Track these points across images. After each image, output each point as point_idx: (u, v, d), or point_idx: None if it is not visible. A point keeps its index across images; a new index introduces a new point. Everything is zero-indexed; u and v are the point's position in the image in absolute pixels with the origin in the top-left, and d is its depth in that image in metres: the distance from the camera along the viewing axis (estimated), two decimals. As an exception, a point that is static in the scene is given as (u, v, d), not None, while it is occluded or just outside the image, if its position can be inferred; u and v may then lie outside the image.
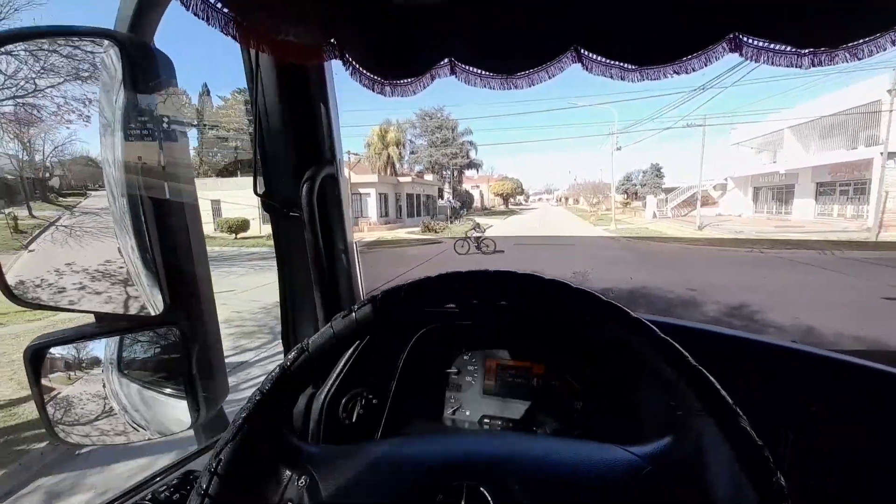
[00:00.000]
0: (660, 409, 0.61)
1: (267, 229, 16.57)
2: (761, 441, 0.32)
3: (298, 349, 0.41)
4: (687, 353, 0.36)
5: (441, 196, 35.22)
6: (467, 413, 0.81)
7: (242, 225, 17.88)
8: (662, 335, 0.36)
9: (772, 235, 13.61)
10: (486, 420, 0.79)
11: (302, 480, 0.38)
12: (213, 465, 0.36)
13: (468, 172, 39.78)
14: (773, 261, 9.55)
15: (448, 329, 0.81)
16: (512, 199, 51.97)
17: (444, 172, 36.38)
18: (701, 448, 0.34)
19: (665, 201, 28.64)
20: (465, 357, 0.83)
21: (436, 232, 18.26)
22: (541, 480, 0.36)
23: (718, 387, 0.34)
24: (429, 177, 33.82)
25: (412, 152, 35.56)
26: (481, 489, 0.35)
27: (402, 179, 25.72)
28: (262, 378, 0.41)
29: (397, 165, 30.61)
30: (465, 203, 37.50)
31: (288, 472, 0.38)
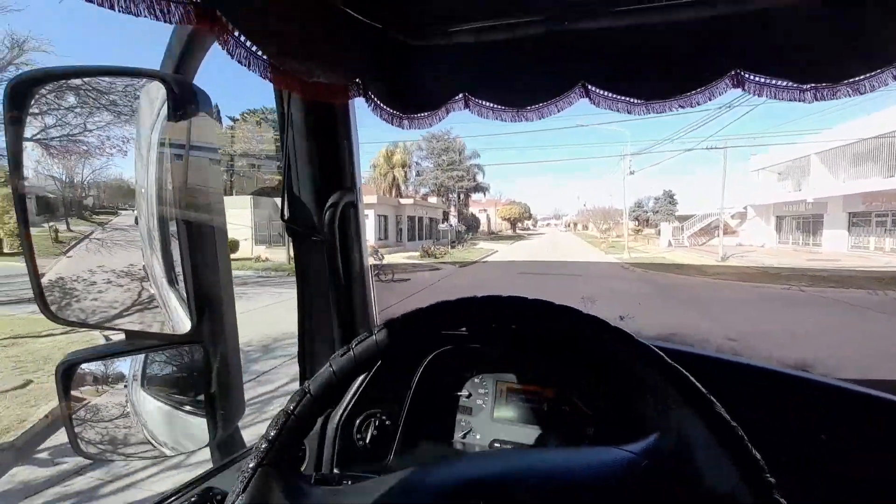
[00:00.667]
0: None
1: (259, 251, 16.54)
2: (738, 426, 0.35)
3: (301, 392, 0.42)
4: (663, 355, 0.39)
5: (446, 219, 33.81)
6: (478, 437, 0.81)
7: (231, 246, 17.81)
8: (640, 341, 0.40)
9: (805, 269, 12.14)
10: (496, 444, 0.79)
11: None
12: None
13: (475, 196, 39.22)
14: (817, 300, 8.21)
15: (459, 352, 0.82)
16: (519, 224, 51.13)
17: (450, 195, 35.98)
18: (685, 436, 0.37)
19: (681, 229, 27.14)
20: (475, 380, 0.84)
21: (435, 257, 17.36)
22: (548, 490, 0.37)
23: (693, 381, 0.38)
24: (433, 199, 32.98)
25: (418, 174, 35.36)
26: None
27: (403, 201, 24.95)
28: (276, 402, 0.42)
29: (402, 187, 29.99)
30: (470, 227, 36.97)
31: None
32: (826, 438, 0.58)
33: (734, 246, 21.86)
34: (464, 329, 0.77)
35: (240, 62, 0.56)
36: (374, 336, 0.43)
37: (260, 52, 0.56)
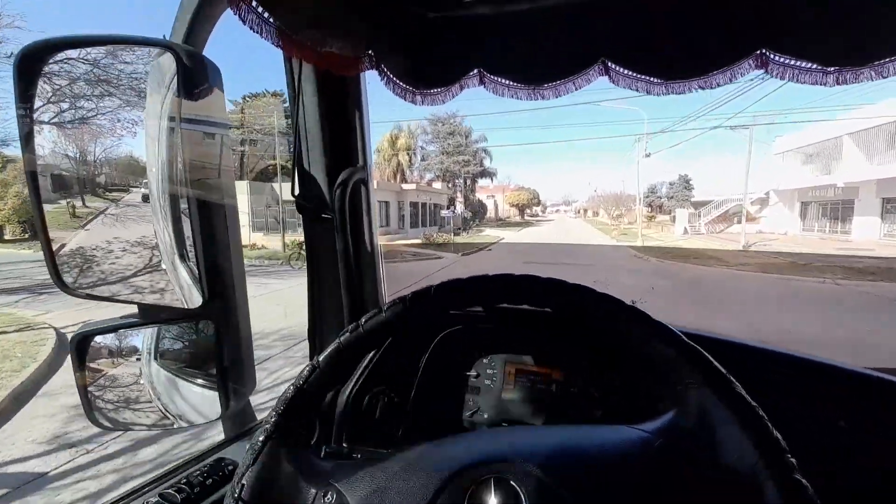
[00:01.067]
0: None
1: (256, 238, 16.06)
2: (759, 408, 0.35)
3: (310, 367, 0.42)
4: (680, 333, 0.38)
5: (451, 205, 31.94)
6: (485, 416, 0.82)
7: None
8: (656, 320, 0.39)
9: (837, 258, 10.82)
10: (504, 424, 0.80)
11: (328, 497, 0.38)
12: (237, 490, 0.37)
13: (482, 182, 37.65)
14: (857, 296, 7.24)
15: (468, 332, 0.83)
16: (528, 211, 49.99)
17: (456, 181, 34.38)
18: (703, 416, 0.36)
19: (697, 216, 25.23)
20: (484, 361, 0.84)
21: (438, 245, 16.69)
22: (563, 466, 0.37)
23: (712, 360, 0.37)
24: (438, 185, 31.62)
25: (423, 159, 33.74)
26: (510, 481, 0.36)
27: (405, 186, 23.96)
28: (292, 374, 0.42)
29: (407, 172, 29.25)
30: (477, 213, 35.48)
31: (313, 491, 0.38)
32: (845, 425, 0.58)
33: (755, 234, 20.46)
34: (475, 308, 0.77)
35: (251, 28, 0.55)
36: (383, 313, 0.43)
37: (271, 19, 0.55)
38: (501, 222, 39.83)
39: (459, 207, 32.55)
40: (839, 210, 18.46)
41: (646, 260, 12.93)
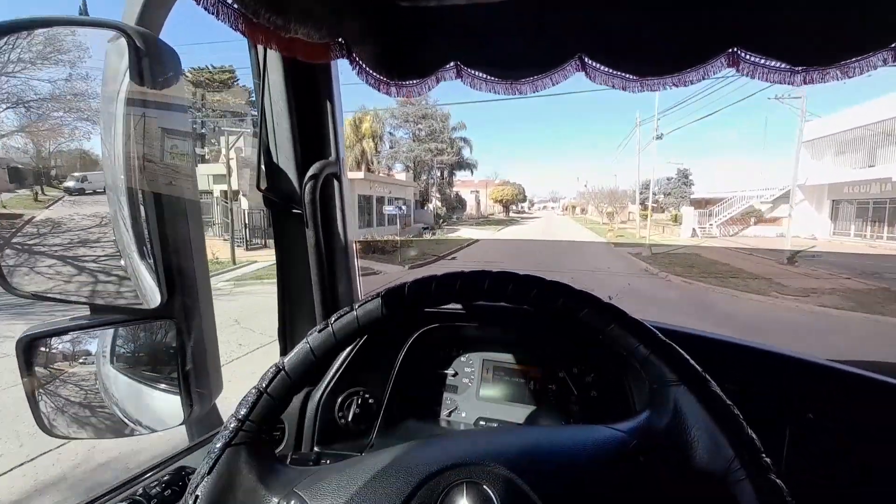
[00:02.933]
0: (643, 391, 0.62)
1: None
2: (733, 406, 0.35)
3: (274, 368, 0.40)
4: (656, 331, 0.38)
5: (428, 201, 27.22)
6: (463, 415, 0.81)
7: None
8: (632, 317, 0.39)
9: None
10: (481, 422, 0.79)
11: None
12: (191, 502, 0.35)
13: (462, 175, 32.86)
14: None
15: (445, 330, 0.81)
16: (514, 207, 47.18)
17: (432, 173, 29.02)
18: (678, 414, 0.36)
19: (707, 215, 21.30)
20: (462, 359, 0.83)
21: (384, 252, 12.69)
22: (536, 468, 0.36)
23: (687, 357, 0.37)
24: (401, 175, 25.96)
25: (391, 147, 28.11)
26: (482, 485, 0.35)
27: (351, 175, 15.83)
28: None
29: (373, 163, 24.59)
30: (454, 209, 31.45)
31: (274, 499, 0.36)
32: (813, 418, 0.59)
33: (776, 238, 16.90)
34: (451, 306, 0.76)
35: (207, 10, 0.51)
36: (354, 311, 0.41)
37: (230, 1, 0.51)
38: (483, 219, 36.30)
39: (435, 203, 29.06)
40: (885, 210, 14.52)
41: (664, 278, 8.77)
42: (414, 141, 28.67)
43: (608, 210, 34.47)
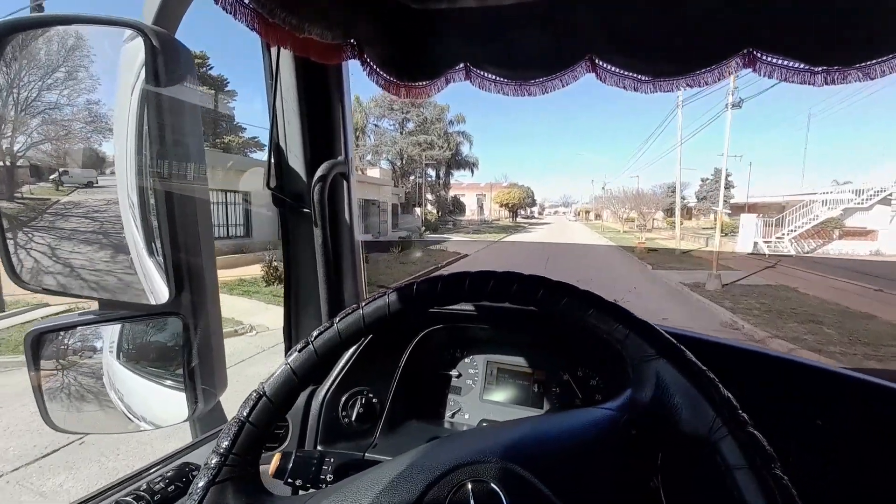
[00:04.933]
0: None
1: None
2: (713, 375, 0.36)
3: (256, 395, 0.38)
4: (632, 312, 0.40)
5: (417, 205, 21.76)
6: (466, 416, 0.80)
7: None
8: (608, 301, 0.40)
9: None
10: (484, 424, 0.78)
11: None
12: None
13: (461, 176, 27.98)
14: None
15: (449, 331, 0.81)
16: (522, 212, 43.36)
17: (425, 171, 24.30)
18: (661, 385, 0.38)
19: (772, 224, 15.69)
20: (466, 360, 0.82)
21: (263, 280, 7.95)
22: (539, 457, 0.37)
23: (663, 332, 0.39)
24: (374, 172, 21.11)
25: (376, 140, 23.73)
26: (489, 483, 0.34)
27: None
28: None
29: (355, 159, 23.29)
30: (451, 213, 27.62)
31: None
32: (822, 424, 0.57)
33: (871, 256, 12.34)
34: (455, 307, 0.75)
35: (224, 9, 0.52)
36: (360, 310, 0.41)
37: (247, 1, 0.52)
38: (485, 225, 31.37)
39: (426, 206, 24.35)
40: None
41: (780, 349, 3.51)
42: (400, 133, 23.61)
43: (629, 215, 30.19)
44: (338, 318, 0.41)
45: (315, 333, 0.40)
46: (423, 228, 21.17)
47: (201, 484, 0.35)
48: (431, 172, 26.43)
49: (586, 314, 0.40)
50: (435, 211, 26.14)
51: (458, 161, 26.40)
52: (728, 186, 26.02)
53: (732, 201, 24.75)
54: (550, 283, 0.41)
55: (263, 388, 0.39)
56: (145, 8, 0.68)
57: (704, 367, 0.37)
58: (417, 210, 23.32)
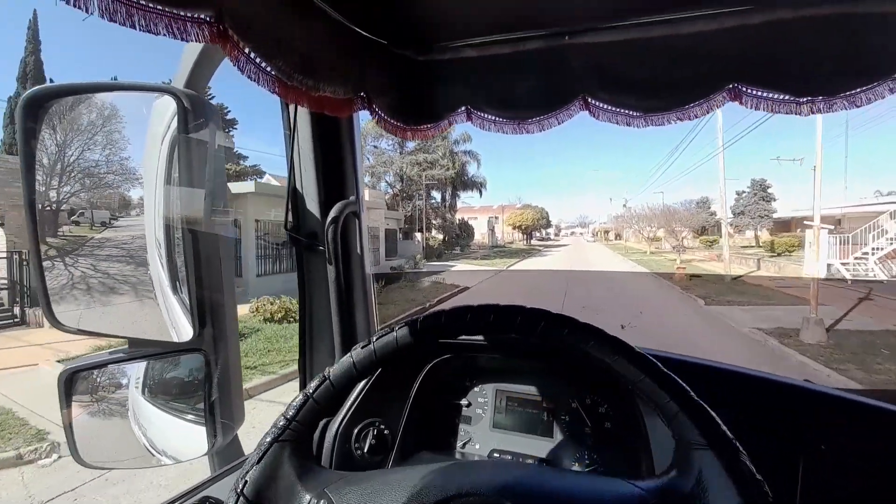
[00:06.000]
0: (667, 444, 0.60)
1: None
2: (761, 477, 0.33)
3: (320, 378, 0.44)
4: (688, 388, 0.37)
5: (419, 229, 19.83)
6: (477, 446, 0.80)
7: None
8: (665, 370, 0.38)
9: None
10: (495, 454, 0.78)
11: None
12: (240, 485, 0.39)
13: (467, 198, 25.90)
14: None
15: (458, 361, 0.82)
16: (537, 234, 40.63)
17: (429, 194, 22.52)
18: (702, 481, 0.35)
19: (847, 242, 12.37)
20: (475, 389, 0.83)
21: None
22: None
23: (720, 422, 0.36)
24: (369, 195, 16.81)
25: (372, 165, 21.97)
26: None
27: (236, 188, 9.80)
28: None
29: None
30: (458, 237, 24.91)
31: (307, 496, 0.40)
32: (825, 449, 0.57)
33: None
34: (465, 337, 0.77)
35: (249, 77, 0.58)
36: (394, 332, 0.44)
37: (268, 68, 0.58)
38: (498, 249, 29.47)
39: (432, 231, 22.40)
40: None
41: None
42: (399, 153, 21.54)
43: (655, 234, 26.29)
44: (398, 327, 0.44)
45: (376, 335, 0.44)
46: (420, 257, 17.86)
47: (268, 439, 0.41)
48: (437, 195, 24.28)
49: (637, 379, 0.38)
50: (440, 236, 23.88)
51: (464, 182, 24.39)
52: (768, 199, 22.81)
53: (775, 216, 22.15)
54: (604, 335, 0.40)
55: (329, 371, 0.44)
56: (178, 72, 0.75)
57: (760, 478, 0.33)
58: (418, 236, 20.80)
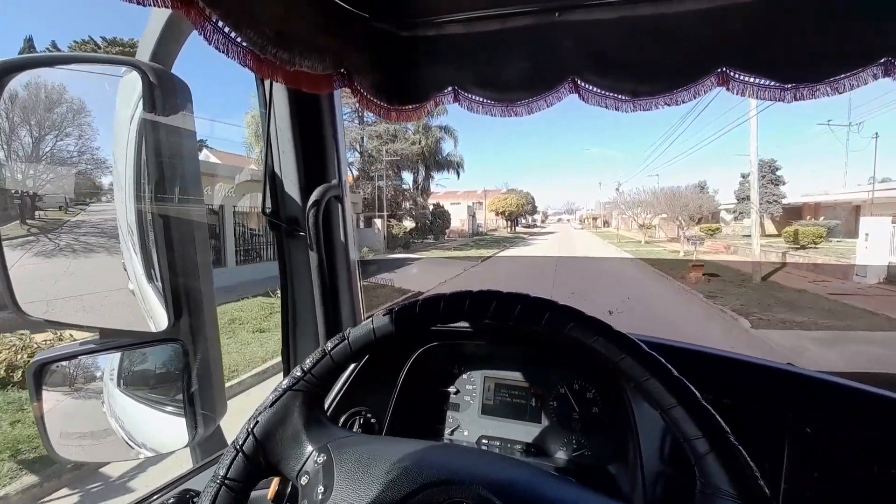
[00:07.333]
0: (654, 429, 0.61)
1: None
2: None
3: (340, 337, 0.44)
4: (727, 428, 0.34)
5: (374, 217, 16.32)
6: (465, 433, 0.80)
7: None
8: (702, 401, 0.35)
9: None
10: (483, 441, 0.79)
11: (321, 458, 0.40)
12: (251, 424, 0.41)
13: (443, 181, 21.68)
14: None
15: (446, 348, 0.82)
16: (523, 220, 38.24)
17: (398, 173, 18.80)
18: None
19: None
20: (463, 376, 0.83)
21: None
22: None
23: (757, 474, 0.32)
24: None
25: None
26: None
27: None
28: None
29: None
30: (431, 224, 21.40)
31: (311, 448, 0.41)
32: (811, 432, 0.58)
33: None
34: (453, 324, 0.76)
35: (217, 49, 0.54)
36: (416, 306, 0.43)
37: (239, 39, 0.54)
38: (478, 237, 26.59)
39: (405, 219, 19.14)
40: None
41: None
42: (359, 123, 17.35)
43: (649, 222, 22.78)
44: (420, 301, 0.43)
45: (398, 307, 0.43)
46: (366, 249, 14.71)
47: (284, 385, 0.43)
48: (408, 177, 19.76)
49: (668, 406, 0.35)
50: (409, 223, 19.83)
51: (437, 161, 19.83)
52: (777, 182, 19.49)
53: (784, 201, 19.09)
54: (642, 350, 0.37)
55: (349, 331, 0.44)
56: (141, 45, 0.70)
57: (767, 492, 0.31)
58: (378, 222, 16.52)
